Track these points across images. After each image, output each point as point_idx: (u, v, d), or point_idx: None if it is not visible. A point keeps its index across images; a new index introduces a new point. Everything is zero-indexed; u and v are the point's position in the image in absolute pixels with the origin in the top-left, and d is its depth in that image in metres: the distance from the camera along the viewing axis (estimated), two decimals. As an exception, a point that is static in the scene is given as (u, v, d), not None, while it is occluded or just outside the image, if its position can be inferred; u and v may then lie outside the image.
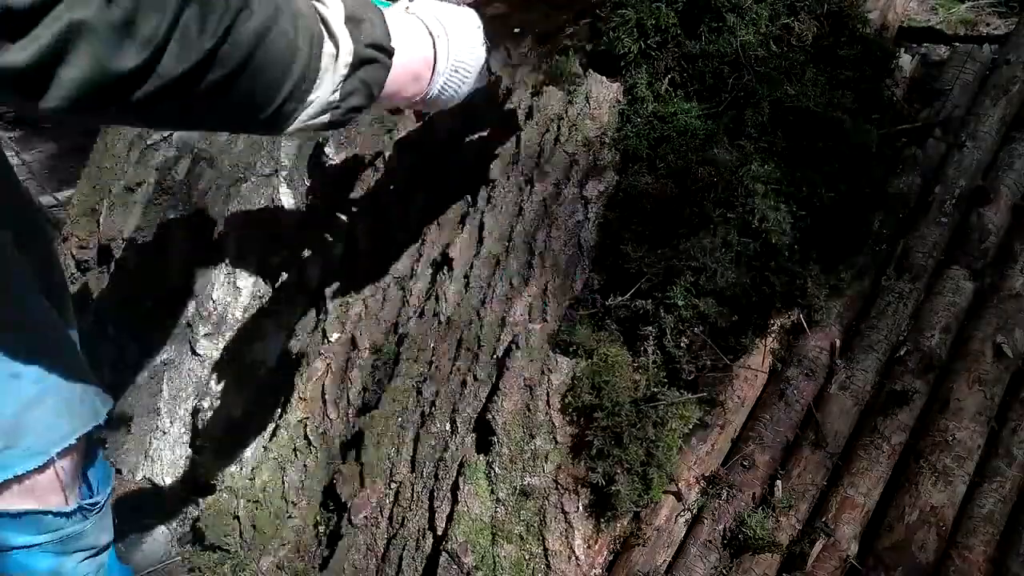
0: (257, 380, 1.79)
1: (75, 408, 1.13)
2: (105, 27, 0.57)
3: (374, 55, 0.83)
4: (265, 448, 1.71)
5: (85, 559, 1.22)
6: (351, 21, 0.80)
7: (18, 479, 1.08)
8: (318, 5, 0.78)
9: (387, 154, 1.76)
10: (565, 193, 1.48)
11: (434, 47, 0.95)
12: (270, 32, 0.69)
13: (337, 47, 0.78)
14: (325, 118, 0.81)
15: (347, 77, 0.80)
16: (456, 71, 1.00)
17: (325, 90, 0.79)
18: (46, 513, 1.12)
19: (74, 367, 1.13)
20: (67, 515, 1.16)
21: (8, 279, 1.05)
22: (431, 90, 0.98)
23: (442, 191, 1.69)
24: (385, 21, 0.86)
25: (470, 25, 1.02)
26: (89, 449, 1.20)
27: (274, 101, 0.74)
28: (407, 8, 0.98)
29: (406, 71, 0.92)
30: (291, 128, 0.79)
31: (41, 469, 1.10)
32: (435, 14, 0.97)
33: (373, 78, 0.85)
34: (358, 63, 0.81)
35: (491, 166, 1.62)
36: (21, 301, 1.07)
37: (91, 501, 1.20)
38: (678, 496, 1.35)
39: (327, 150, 1.76)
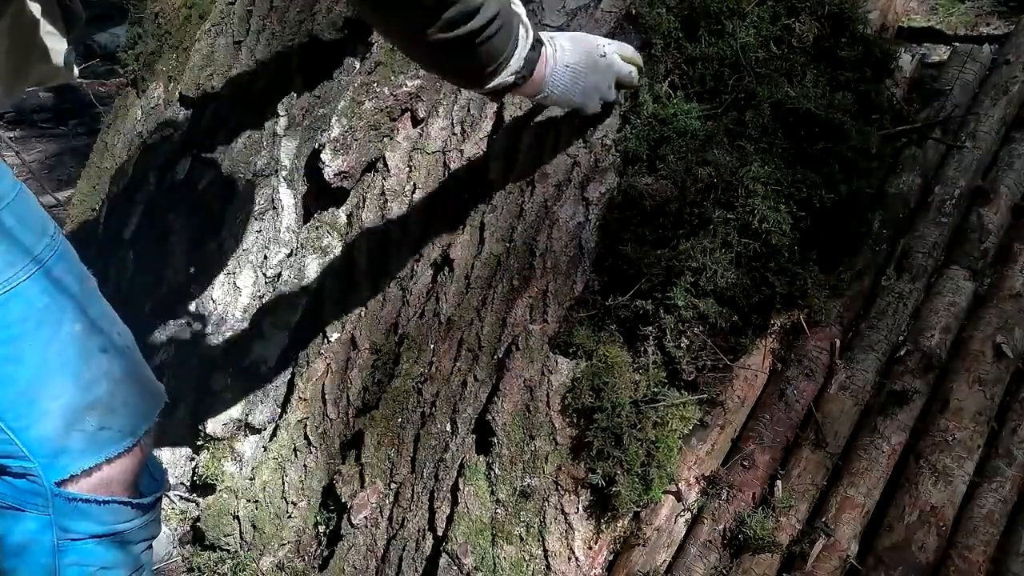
0: (257, 380, 1.79)
1: (152, 386, 1.13)
2: None
3: (536, 42, 1.25)
4: (265, 448, 1.71)
5: (145, 550, 1.22)
6: (524, 24, 1.22)
7: (108, 462, 1.07)
8: (517, 9, 1.21)
9: (387, 154, 1.76)
10: (566, 194, 1.48)
11: (546, 54, 1.29)
12: (510, 16, 1.15)
13: (526, 32, 1.22)
14: (510, 79, 1.22)
15: (526, 53, 1.22)
16: (565, 68, 1.32)
17: (517, 60, 1.20)
18: (126, 503, 1.12)
19: (137, 347, 1.13)
20: (143, 507, 1.16)
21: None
22: (545, 87, 1.32)
23: (443, 193, 1.69)
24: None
25: (586, 38, 1.37)
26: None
27: (498, 60, 1.17)
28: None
29: (541, 59, 1.27)
30: (494, 82, 1.20)
31: (129, 451, 1.10)
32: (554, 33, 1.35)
33: (533, 58, 1.24)
34: (532, 45, 1.23)
35: (491, 167, 1.62)
36: (93, 280, 1.09)
37: (160, 494, 1.20)
38: (678, 496, 1.35)
39: (323, 156, 1.76)
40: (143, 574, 1.23)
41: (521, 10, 1.22)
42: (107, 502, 1.09)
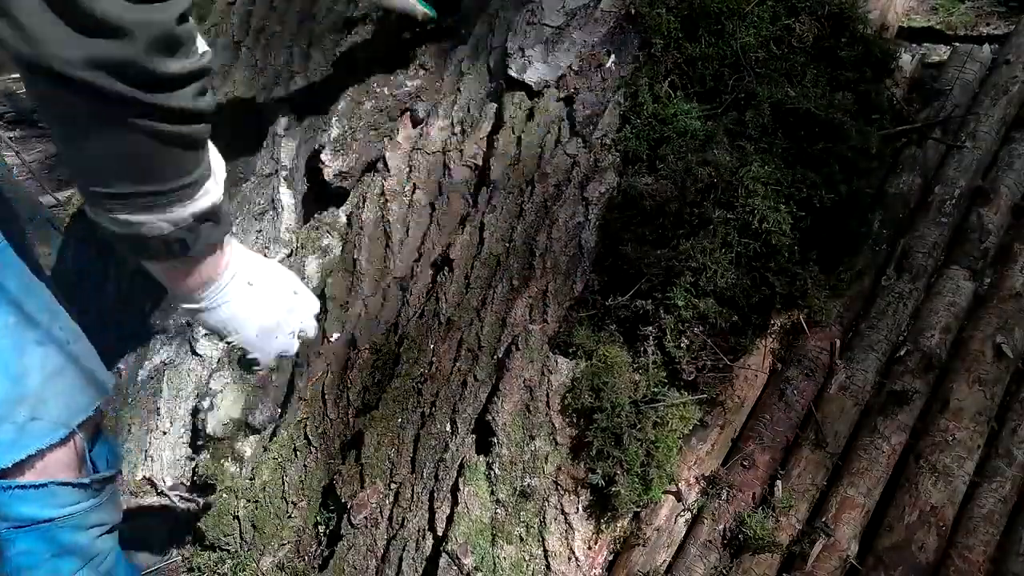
0: (257, 380, 1.79)
1: (92, 379, 1.14)
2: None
3: (222, 216, 0.89)
4: (265, 448, 1.71)
5: (101, 535, 1.22)
6: (216, 177, 0.88)
7: (41, 453, 1.08)
8: (213, 151, 0.88)
9: (387, 154, 1.76)
10: (566, 194, 1.48)
11: (223, 270, 0.95)
12: (205, 140, 0.82)
13: (218, 196, 0.87)
14: (164, 228, 0.83)
15: (199, 216, 0.85)
16: (249, 285, 0.97)
17: (185, 209, 0.83)
18: (64, 484, 1.13)
19: (85, 340, 1.14)
20: (84, 487, 1.16)
21: (26, 251, 1.07)
22: (214, 290, 0.95)
23: (443, 193, 1.69)
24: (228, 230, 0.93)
25: (281, 276, 1.04)
26: (96, 425, 1.21)
27: (174, 180, 0.80)
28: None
29: (215, 253, 0.92)
30: (141, 216, 0.81)
31: (64, 441, 1.10)
32: (250, 258, 0.99)
33: (210, 235, 0.89)
34: (210, 211, 0.86)
35: (491, 167, 1.62)
36: (41, 274, 1.09)
37: (105, 475, 1.20)
38: (678, 496, 1.35)
39: (324, 156, 1.76)
40: (105, 561, 1.23)
41: (220, 165, 0.89)
42: (43, 485, 1.10)
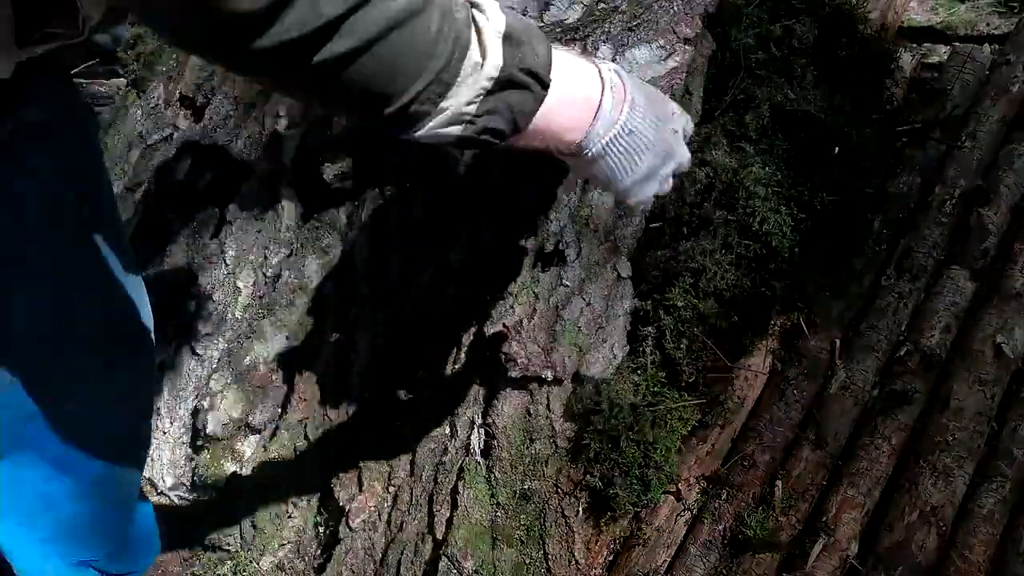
0: (257, 380, 1.79)
1: None
2: None
3: (525, 80, 0.73)
4: (265, 448, 1.71)
5: None
6: (509, 40, 0.71)
7: None
8: (476, 12, 0.70)
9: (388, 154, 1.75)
10: (565, 194, 1.48)
11: (601, 97, 0.80)
12: (412, 19, 0.63)
13: (484, 57, 0.70)
14: (457, 130, 0.72)
15: (489, 92, 0.71)
16: (628, 134, 0.82)
17: (461, 99, 0.70)
18: None
19: None
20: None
21: None
22: (588, 145, 0.81)
23: (443, 191, 1.69)
24: (550, 52, 0.75)
25: (661, 99, 0.88)
26: None
27: (403, 96, 0.67)
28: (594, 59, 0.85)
29: (561, 112, 0.78)
30: (421, 132, 0.71)
31: None
32: (621, 74, 0.83)
33: (520, 104, 0.74)
34: (505, 82, 0.71)
35: (491, 166, 1.61)
36: None
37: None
38: (678, 496, 1.36)
39: (324, 156, 1.75)
40: None
41: (495, 13, 0.72)
42: None
